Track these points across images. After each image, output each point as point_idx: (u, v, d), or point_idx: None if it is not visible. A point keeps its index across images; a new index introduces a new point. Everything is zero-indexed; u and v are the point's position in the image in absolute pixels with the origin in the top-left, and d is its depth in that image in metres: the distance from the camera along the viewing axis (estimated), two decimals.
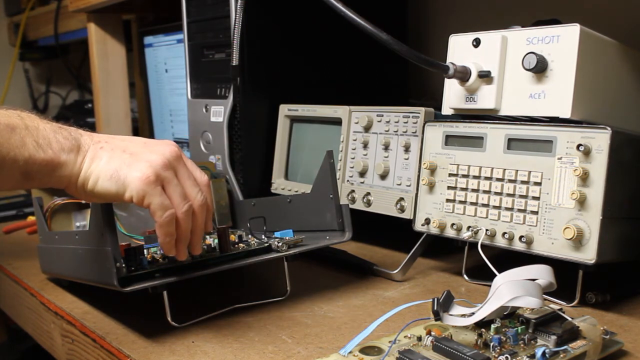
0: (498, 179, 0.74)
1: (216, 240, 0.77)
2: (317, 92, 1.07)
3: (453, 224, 0.78)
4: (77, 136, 0.64)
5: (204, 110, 1.11)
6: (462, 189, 0.77)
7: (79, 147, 0.64)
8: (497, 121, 0.76)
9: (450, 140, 0.79)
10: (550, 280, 0.60)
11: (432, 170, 0.80)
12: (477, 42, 0.76)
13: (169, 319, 0.68)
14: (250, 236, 0.81)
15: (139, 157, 0.63)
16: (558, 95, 0.70)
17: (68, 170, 0.63)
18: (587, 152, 0.66)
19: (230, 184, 1.05)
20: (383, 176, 0.89)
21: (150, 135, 1.68)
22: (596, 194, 0.65)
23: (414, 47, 0.75)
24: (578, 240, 0.66)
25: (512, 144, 0.73)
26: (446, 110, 0.81)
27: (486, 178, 0.75)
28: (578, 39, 0.69)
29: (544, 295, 0.58)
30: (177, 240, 0.66)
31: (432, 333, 0.58)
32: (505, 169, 0.73)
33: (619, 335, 0.61)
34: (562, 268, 0.66)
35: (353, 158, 0.94)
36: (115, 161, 0.63)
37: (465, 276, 0.83)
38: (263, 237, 0.81)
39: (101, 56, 1.58)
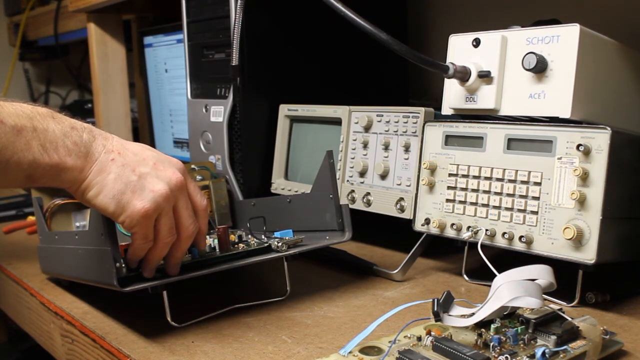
0: (498, 179, 0.74)
1: (216, 240, 0.77)
2: (317, 92, 1.07)
3: (453, 224, 0.78)
4: (88, 140, 0.64)
5: (204, 110, 1.11)
6: (462, 189, 0.77)
7: (88, 154, 0.63)
8: (497, 121, 0.76)
9: (450, 140, 0.79)
10: (550, 280, 0.60)
11: (432, 170, 0.80)
12: (477, 42, 0.76)
13: (169, 319, 0.68)
14: (250, 236, 0.81)
15: (146, 183, 0.64)
16: (558, 95, 0.70)
17: (73, 175, 0.63)
18: (587, 152, 0.66)
19: (230, 184, 1.05)
20: (383, 176, 0.89)
21: (150, 135, 1.68)
22: (596, 194, 0.65)
23: (414, 47, 0.75)
24: (578, 240, 0.66)
25: (512, 144, 0.73)
26: (446, 110, 0.81)
27: (486, 178, 0.75)
28: (578, 39, 0.69)
29: (544, 295, 0.58)
30: (147, 259, 0.67)
31: (432, 333, 0.58)
32: (505, 169, 0.73)
33: (619, 335, 0.61)
34: (562, 268, 0.66)
35: (353, 158, 0.94)
36: (121, 181, 0.63)
37: (465, 276, 0.83)
38: (263, 237, 0.81)
39: (101, 56, 1.58)
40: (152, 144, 1.67)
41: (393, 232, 0.99)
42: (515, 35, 0.74)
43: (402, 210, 0.86)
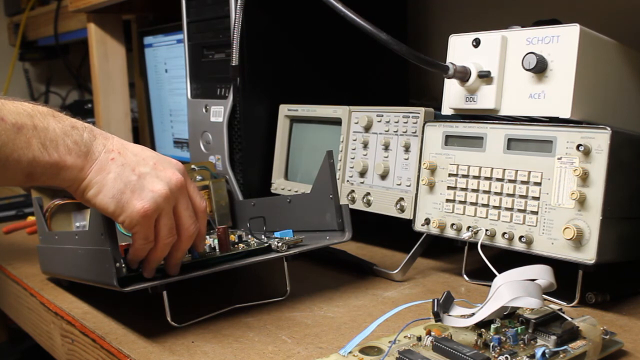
0: (498, 179, 0.74)
1: (216, 240, 0.77)
2: (317, 92, 1.07)
3: (453, 224, 0.78)
4: (89, 140, 0.64)
5: (203, 110, 1.11)
6: (462, 189, 0.77)
7: (88, 153, 0.63)
8: (497, 121, 0.76)
9: (450, 140, 0.79)
10: (550, 280, 0.60)
11: (432, 170, 0.80)
12: (477, 42, 0.76)
13: (169, 319, 0.68)
14: (250, 236, 0.81)
15: (145, 183, 0.63)
16: (558, 95, 0.70)
17: (73, 174, 0.62)
18: (587, 152, 0.66)
19: (230, 184, 1.05)
20: (383, 176, 0.89)
21: (150, 135, 1.68)
22: (596, 194, 0.65)
23: (414, 47, 0.75)
24: (578, 240, 0.66)
25: (512, 144, 0.73)
26: (446, 110, 0.81)
27: (486, 178, 0.75)
28: (578, 39, 0.69)
29: (544, 295, 0.58)
30: (147, 260, 0.67)
31: (432, 333, 0.58)
32: (505, 169, 0.73)
33: (619, 335, 0.61)
34: (562, 268, 0.66)
35: (353, 158, 0.94)
36: (121, 181, 0.63)
37: (465, 276, 0.83)
38: (263, 237, 0.81)
39: (101, 56, 1.58)
40: (152, 144, 1.67)
41: (393, 232, 0.99)
42: (515, 35, 0.74)
43: (402, 210, 0.86)
